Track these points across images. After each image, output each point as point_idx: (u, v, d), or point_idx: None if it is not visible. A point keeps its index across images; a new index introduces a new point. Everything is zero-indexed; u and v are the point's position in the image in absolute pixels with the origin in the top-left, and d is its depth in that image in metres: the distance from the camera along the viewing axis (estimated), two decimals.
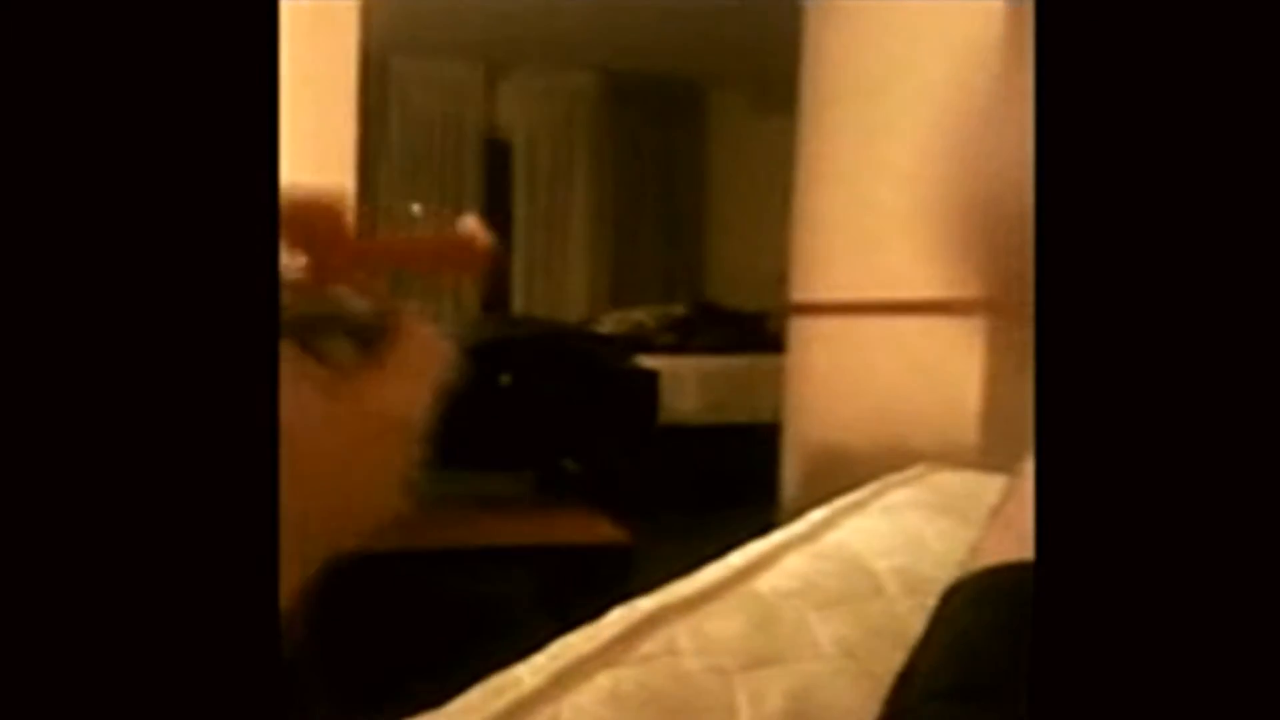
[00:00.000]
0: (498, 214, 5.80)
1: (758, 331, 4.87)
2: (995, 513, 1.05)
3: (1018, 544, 0.71)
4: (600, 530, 2.75)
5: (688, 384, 4.32)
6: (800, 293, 3.37)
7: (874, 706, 0.83)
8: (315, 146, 2.55)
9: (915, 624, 1.02)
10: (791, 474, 3.35)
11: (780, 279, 3.51)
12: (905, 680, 0.70)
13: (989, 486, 1.61)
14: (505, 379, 2.99)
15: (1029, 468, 0.83)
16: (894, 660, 0.93)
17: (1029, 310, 0.40)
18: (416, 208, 5.55)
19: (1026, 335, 0.41)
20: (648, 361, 4.09)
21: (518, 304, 5.86)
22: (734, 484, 3.80)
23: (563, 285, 6.00)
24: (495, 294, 5.79)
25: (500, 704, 0.69)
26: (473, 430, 3.26)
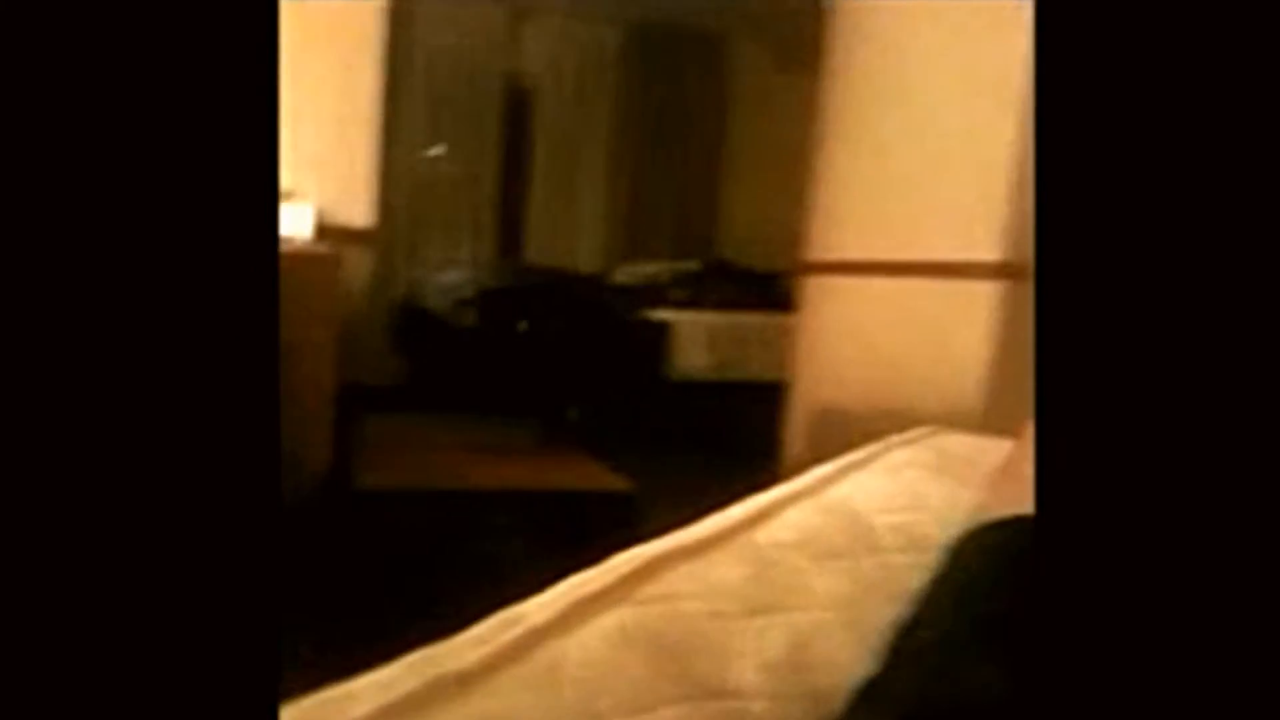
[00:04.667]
0: (516, 160, 5.78)
1: (769, 290, 4.87)
2: (1004, 468, 1.06)
3: (1024, 498, 0.73)
4: (601, 478, 2.78)
5: (697, 340, 4.33)
6: (813, 252, 3.37)
7: (868, 657, 0.86)
8: (339, 89, 2.55)
9: (910, 579, 1.04)
10: (795, 432, 3.38)
11: (795, 240, 3.52)
12: (907, 628, 0.72)
13: (991, 449, 1.63)
14: (523, 325, 3.00)
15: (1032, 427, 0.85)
16: (887, 614, 0.95)
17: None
18: (436, 149, 5.53)
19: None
20: (659, 315, 4.08)
21: (531, 253, 5.86)
22: (737, 440, 3.83)
23: (577, 236, 6.00)
24: (509, 241, 5.78)
25: (509, 637, 0.72)
26: (481, 376, 3.29)
